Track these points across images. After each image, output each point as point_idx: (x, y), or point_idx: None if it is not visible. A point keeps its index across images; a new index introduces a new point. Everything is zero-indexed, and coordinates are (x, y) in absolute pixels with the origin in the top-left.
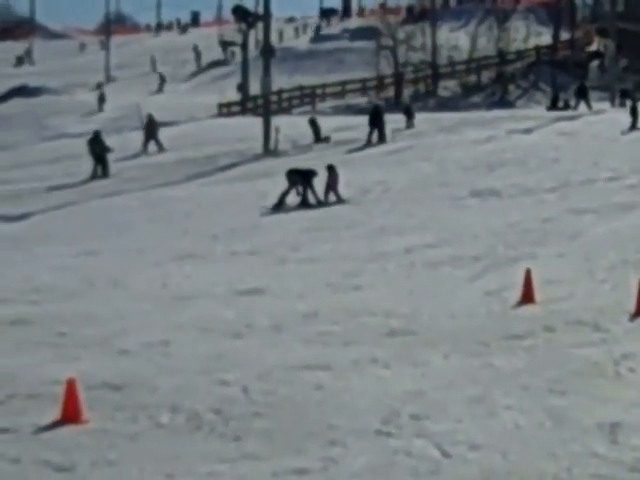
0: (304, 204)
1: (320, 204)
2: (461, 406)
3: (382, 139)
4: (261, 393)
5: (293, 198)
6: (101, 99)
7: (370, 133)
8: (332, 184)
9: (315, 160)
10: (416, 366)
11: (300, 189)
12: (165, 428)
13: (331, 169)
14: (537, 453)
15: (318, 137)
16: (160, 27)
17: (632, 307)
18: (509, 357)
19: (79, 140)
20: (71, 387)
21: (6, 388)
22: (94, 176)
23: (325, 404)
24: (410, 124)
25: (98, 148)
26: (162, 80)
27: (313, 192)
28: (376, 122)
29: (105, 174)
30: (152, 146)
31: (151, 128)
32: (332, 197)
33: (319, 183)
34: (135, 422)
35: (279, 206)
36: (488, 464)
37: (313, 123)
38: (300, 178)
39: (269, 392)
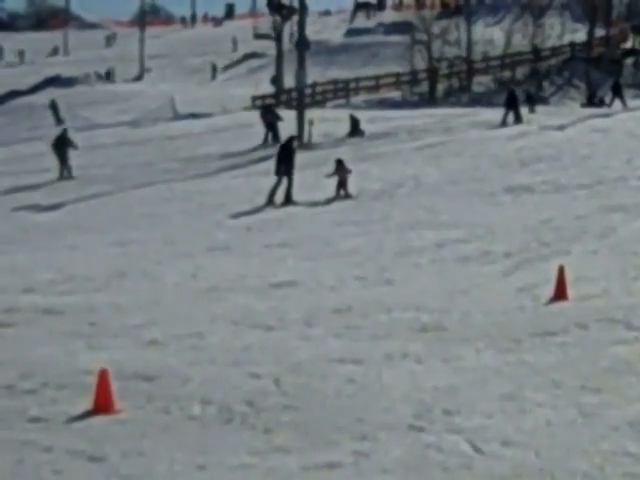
0: (288, 200)
1: (328, 201)
2: (493, 402)
3: (518, 119)
4: (292, 386)
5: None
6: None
7: (506, 114)
8: (341, 179)
9: (349, 153)
10: (448, 361)
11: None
12: (196, 420)
13: (340, 163)
14: (569, 451)
15: (354, 131)
16: (194, 19)
17: None
18: (541, 354)
19: (111, 130)
20: (103, 377)
21: (38, 377)
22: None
23: (357, 398)
24: (532, 110)
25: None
26: (214, 70)
27: (290, 186)
28: (512, 104)
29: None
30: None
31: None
32: (342, 192)
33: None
34: (167, 413)
35: (270, 203)
36: (520, 461)
37: (353, 119)
38: (285, 165)
39: (300, 385)
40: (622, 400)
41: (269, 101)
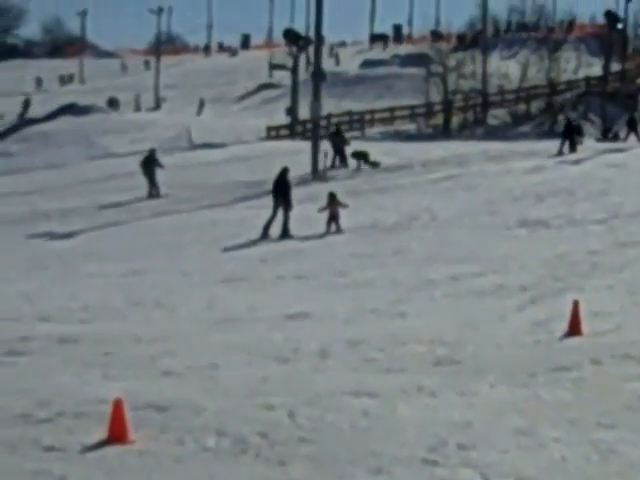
0: (285, 234)
1: (322, 235)
2: (508, 437)
3: (573, 149)
4: (307, 418)
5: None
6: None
7: (562, 144)
8: (333, 213)
9: (363, 185)
10: (463, 395)
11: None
12: (211, 451)
13: (332, 197)
14: None
15: (367, 161)
16: (208, 49)
17: None
18: (556, 389)
19: (127, 159)
20: (118, 407)
21: (54, 406)
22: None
23: (371, 431)
24: (580, 141)
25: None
26: (201, 104)
27: (287, 220)
28: (569, 134)
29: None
30: None
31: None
32: (332, 227)
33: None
34: (181, 444)
35: (264, 236)
36: None
37: (357, 155)
38: (281, 197)
39: (315, 417)
40: (638, 437)
41: (337, 127)
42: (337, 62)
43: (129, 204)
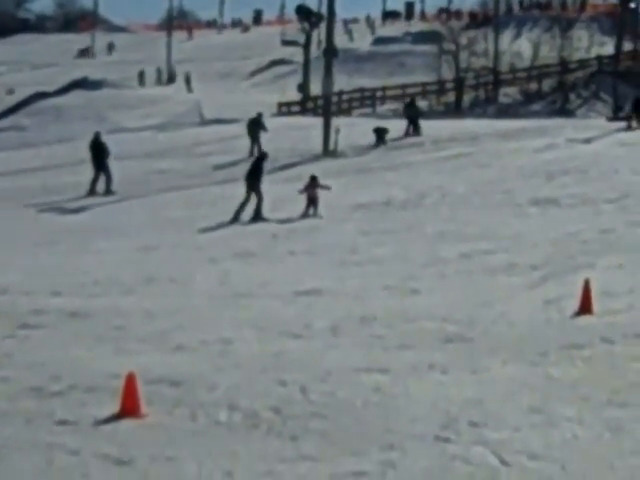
0: (257, 217)
1: (299, 218)
2: (519, 415)
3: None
4: (319, 394)
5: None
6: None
7: (630, 119)
8: (311, 196)
9: (375, 162)
10: (474, 373)
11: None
12: (223, 426)
13: (313, 180)
14: (596, 465)
15: (380, 140)
16: (222, 24)
17: None
18: (568, 367)
19: (139, 134)
20: (131, 381)
21: (66, 380)
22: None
23: (383, 407)
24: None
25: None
26: (188, 80)
27: (259, 203)
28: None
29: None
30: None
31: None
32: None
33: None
34: (193, 419)
35: (235, 220)
36: (547, 474)
37: (378, 131)
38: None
39: (327, 393)
40: None
41: (411, 97)
42: (351, 38)
43: (140, 179)
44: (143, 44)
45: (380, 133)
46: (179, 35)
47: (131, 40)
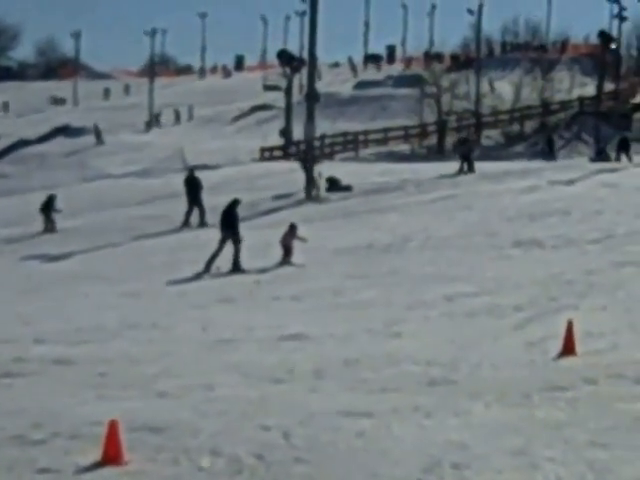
0: (236, 268)
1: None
2: (503, 457)
3: (630, 160)
4: (302, 438)
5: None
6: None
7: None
8: (286, 245)
9: (358, 206)
10: (458, 415)
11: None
12: (206, 472)
13: (291, 228)
14: None
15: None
16: (203, 70)
17: None
18: (551, 409)
19: (121, 181)
20: (113, 428)
21: (49, 427)
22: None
23: (367, 451)
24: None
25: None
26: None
27: (237, 253)
28: (623, 148)
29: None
30: None
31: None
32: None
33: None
34: (176, 465)
35: (207, 270)
36: None
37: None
38: (229, 230)
39: (310, 438)
40: (632, 456)
41: (466, 135)
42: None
43: (124, 225)
44: (124, 90)
45: (332, 183)
46: (162, 81)
47: (113, 87)
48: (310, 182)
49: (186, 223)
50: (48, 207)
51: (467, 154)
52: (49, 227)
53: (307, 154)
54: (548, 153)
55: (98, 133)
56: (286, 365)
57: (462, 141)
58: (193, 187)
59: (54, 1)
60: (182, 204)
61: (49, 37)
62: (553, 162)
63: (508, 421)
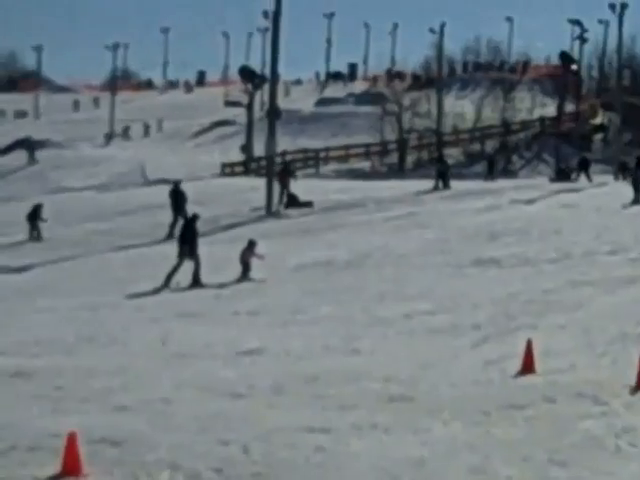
0: (196, 283)
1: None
2: (461, 475)
3: (590, 180)
4: (261, 454)
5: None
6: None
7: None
8: (244, 261)
9: (318, 223)
10: (416, 433)
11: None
12: None
13: (250, 244)
14: None
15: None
16: (167, 85)
17: (632, 381)
18: (509, 427)
19: (80, 194)
20: (72, 441)
21: (7, 440)
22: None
23: (325, 467)
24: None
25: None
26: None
27: (197, 268)
28: (584, 168)
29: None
30: None
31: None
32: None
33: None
34: (134, 479)
35: (166, 286)
36: None
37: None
38: (187, 246)
39: (269, 453)
40: (590, 474)
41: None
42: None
43: (83, 239)
44: (86, 104)
45: (292, 199)
46: (123, 95)
47: (72, 100)
48: (271, 198)
49: (171, 234)
50: (34, 216)
51: (444, 172)
52: (34, 235)
53: (269, 170)
54: (487, 174)
55: (31, 150)
56: (245, 380)
57: (438, 159)
58: (178, 199)
59: (15, 14)
60: (167, 216)
61: (10, 50)
62: (491, 182)
63: (466, 439)
